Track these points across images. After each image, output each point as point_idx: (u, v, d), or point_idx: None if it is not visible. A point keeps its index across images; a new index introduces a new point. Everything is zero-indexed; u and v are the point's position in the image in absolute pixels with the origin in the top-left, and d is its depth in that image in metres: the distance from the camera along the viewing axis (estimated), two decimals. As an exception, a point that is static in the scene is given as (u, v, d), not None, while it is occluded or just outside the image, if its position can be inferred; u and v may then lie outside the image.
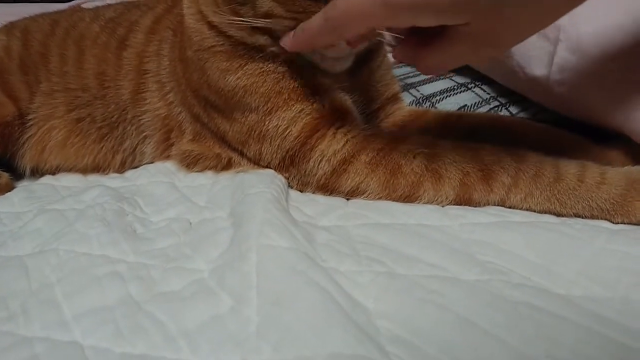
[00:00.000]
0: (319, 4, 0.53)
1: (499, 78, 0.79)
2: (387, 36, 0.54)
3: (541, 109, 0.74)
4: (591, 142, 0.62)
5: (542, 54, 0.66)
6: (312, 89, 0.62)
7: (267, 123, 0.62)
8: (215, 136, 0.70)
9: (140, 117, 0.76)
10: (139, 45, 0.77)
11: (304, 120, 0.61)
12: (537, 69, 0.68)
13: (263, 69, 0.62)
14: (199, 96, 0.69)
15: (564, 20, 0.63)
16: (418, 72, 0.92)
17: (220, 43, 0.63)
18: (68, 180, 0.76)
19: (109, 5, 0.91)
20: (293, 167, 0.63)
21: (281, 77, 0.61)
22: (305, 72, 0.62)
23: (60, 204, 0.62)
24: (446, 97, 0.82)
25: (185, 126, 0.74)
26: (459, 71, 0.88)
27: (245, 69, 0.62)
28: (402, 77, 0.91)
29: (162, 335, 0.39)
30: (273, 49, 0.60)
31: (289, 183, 0.64)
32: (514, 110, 0.78)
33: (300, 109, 0.61)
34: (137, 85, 0.76)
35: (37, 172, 0.81)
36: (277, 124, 0.61)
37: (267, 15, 0.56)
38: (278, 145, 0.62)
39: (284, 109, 0.61)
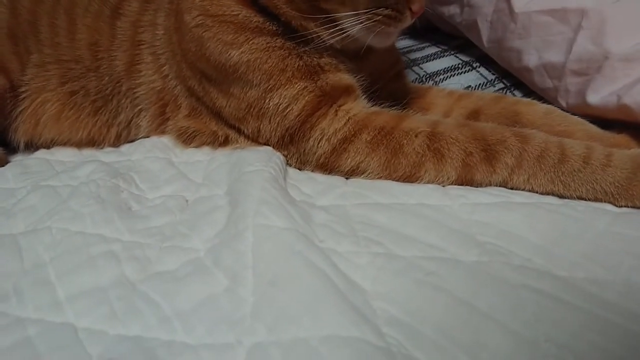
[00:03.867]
0: None
1: (503, 61, 0.76)
2: None
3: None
4: (596, 125, 0.60)
5: (560, 40, 0.63)
6: (317, 67, 0.60)
7: (267, 100, 0.60)
8: (211, 112, 0.68)
9: (135, 90, 0.74)
10: (134, 14, 0.75)
11: (306, 98, 0.59)
12: (554, 55, 0.65)
13: (270, 44, 0.59)
14: (194, 68, 0.67)
15: (590, 4, 0.59)
16: (421, 46, 0.90)
17: (235, 13, 0.60)
18: (63, 155, 0.75)
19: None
20: (292, 145, 0.61)
21: (287, 54, 0.59)
22: (311, 50, 0.60)
23: (55, 180, 0.61)
24: (450, 76, 0.80)
25: (180, 100, 0.72)
26: (464, 49, 0.85)
27: (251, 43, 0.60)
28: (405, 50, 0.89)
29: (156, 316, 0.39)
30: (320, 36, 0.58)
31: (287, 161, 0.63)
32: (518, 93, 0.76)
33: (303, 86, 0.59)
34: (132, 56, 0.73)
35: (31, 146, 0.80)
36: (278, 102, 0.60)
37: None
38: (278, 123, 0.61)
39: (286, 86, 0.59)
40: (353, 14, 0.56)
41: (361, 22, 0.56)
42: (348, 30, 0.57)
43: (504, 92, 0.76)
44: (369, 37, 0.58)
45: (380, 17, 0.55)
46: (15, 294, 0.42)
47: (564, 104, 0.65)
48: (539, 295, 0.38)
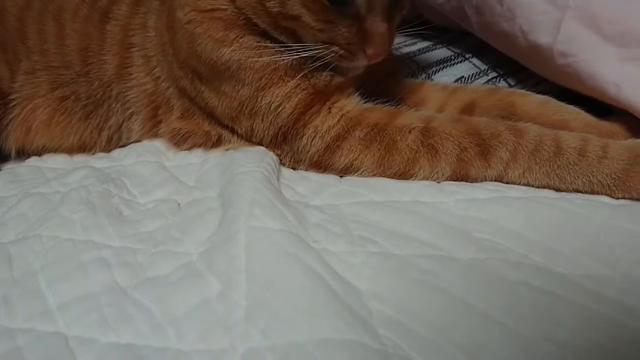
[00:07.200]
0: (346, 18, 0.52)
1: (498, 45, 0.76)
2: None
3: (541, 80, 0.71)
4: (592, 115, 0.59)
5: (546, 20, 0.62)
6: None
7: (259, 99, 0.59)
8: (204, 112, 0.68)
9: (126, 94, 0.73)
10: (123, 17, 0.74)
11: (299, 96, 0.58)
12: (542, 36, 0.64)
13: (260, 43, 0.59)
14: (186, 67, 0.66)
15: None
16: (413, 41, 0.89)
17: (224, 8, 0.59)
18: (54, 162, 0.74)
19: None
20: (286, 144, 0.61)
21: (279, 53, 0.58)
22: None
23: (45, 187, 0.60)
24: (442, 68, 0.79)
25: (173, 102, 0.71)
26: (455, 41, 0.85)
27: (242, 41, 0.59)
28: (396, 45, 0.88)
29: (148, 323, 0.38)
30: (296, 52, 0.57)
31: (281, 160, 0.62)
32: (512, 81, 0.75)
33: (296, 84, 0.58)
34: (122, 59, 0.73)
35: (23, 154, 0.79)
36: (271, 100, 0.59)
37: (294, 18, 0.54)
38: (271, 121, 0.60)
39: (278, 85, 0.58)
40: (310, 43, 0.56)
41: (317, 51, 0.56)
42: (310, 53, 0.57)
43: (498, 80, 0.75)
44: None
45: (331, 53, 0.55)
46: (4, 303, 0.41)
47: (560, 84, 0.64)
48: (537, 292, 0.37)
